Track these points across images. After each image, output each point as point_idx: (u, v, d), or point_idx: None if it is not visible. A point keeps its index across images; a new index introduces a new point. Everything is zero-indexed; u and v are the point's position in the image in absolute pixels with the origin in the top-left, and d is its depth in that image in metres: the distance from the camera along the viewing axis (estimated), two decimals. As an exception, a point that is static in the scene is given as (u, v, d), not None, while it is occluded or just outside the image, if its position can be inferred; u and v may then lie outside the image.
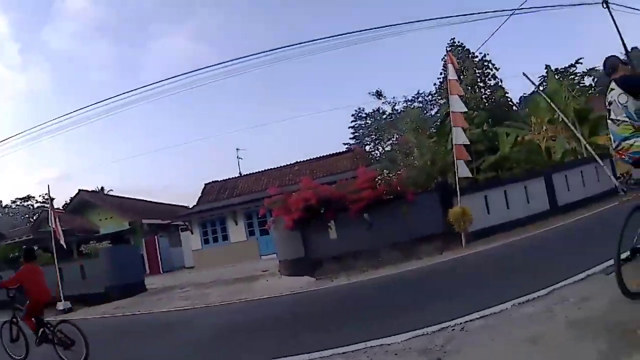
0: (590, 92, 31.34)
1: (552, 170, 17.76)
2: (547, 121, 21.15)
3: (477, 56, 32.01)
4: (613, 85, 4.95)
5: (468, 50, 31.75)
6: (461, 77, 25.11)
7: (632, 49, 68.16)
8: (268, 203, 16.25)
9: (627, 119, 4.76)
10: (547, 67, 26.29)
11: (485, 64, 32.14)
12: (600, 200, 16.40)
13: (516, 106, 33.43)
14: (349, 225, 14.83)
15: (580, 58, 31.63)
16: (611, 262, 5.22)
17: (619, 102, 4.82)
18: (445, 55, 32.29)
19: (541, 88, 23.19)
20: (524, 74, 20.97)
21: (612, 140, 5.08)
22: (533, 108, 23.45)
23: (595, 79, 41.54)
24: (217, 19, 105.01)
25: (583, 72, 34.13)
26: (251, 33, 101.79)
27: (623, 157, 4.96)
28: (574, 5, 25.73)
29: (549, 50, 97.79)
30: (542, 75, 27.52)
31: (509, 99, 32.23)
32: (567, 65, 29.81)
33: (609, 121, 5.07)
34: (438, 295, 8.30)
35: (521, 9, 22.12)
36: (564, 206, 16.34)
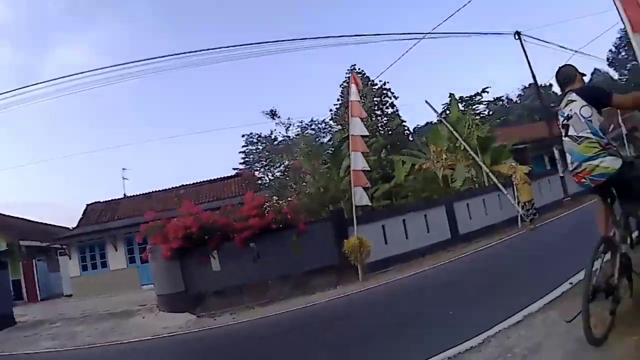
0: (497, 120, 33.43)
1: (453, 198, 18.12)
2: (446, 149, 21.71)
3: (376, 84, 32.90)
4: (573, 96, 4.62)
5: (368, 77, 32.49)
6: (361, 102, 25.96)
7: (529, 84, 73.98)
8: (144, 229, 15.37)
9: (592, 136, 4.41)
10: (451, 95, 27.12)
11: (384, 92, 33.17)
12: (505, 227, 16.93)
13: (412, 135, 35.03)
14: (235, 255, 14.15)
15: (487, 87, 33.47)
16: (544, 299, 5.33)
17: (582, 116, 4.48)
18: (345, 81, 33.22)
19: (444, 116, 24.33)
20: (426, 101, 21.42)
21: (570, 160, 4.65)
22: (433, 136, 23.87)
23: (492, 112, 44.51)
24: (121, 31, 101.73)
25: (489, 100, 36.38)
26: (156, 46, 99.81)
27: (583, 180, 4.54)
28: (486, 33, 27.58)
29: (460, 79, 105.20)
30: (446, 103, 29.00)
31: (405, 128, 33.40)
32: (472, 94, 31.60)
33: (565, 139, 4.66)
34: (326, 347, 7.36)
35: (432, 33, 23.40)
36: (465, 235, 16.58)
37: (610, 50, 71.07)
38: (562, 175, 23.09)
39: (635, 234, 4.88)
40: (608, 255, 4.43)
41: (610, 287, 4.17)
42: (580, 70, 4.95)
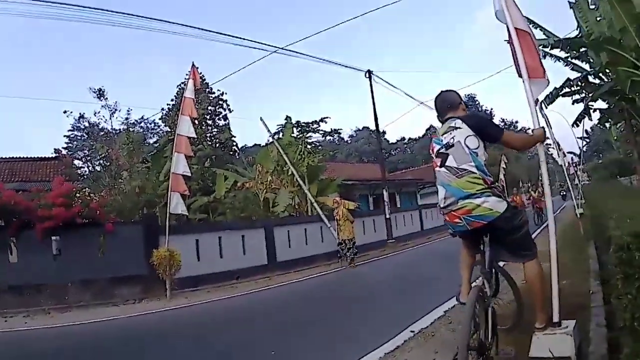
0: (329, 152, 34.48)
1: (274, 222, 18.09)
2: (272, 172, 21.95)
3: (214, 92, 32.37)
4: (458, 123, 4.27)
5: (207, 83, 31.68)
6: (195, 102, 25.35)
7: (363, 127, 77.75)
8: None
9: (475, 170, 4.05)
10: (288, 117, 27.17)
11: (221, 102, 32.69)
12: (325, 260, 17.33)
13: (239, 152, 35.02)
14: (35, 248, 12.66)
15: (327, 117, 34.36)
16: (382, 349, 5.22)
17: (467, 146, 4.13)
18: (182, 82, 32.41)
19: (277, 137, 24.50)
20: (261, 118, 21.28)
21: (444, 195, 4.23)
22: (262, 156, 24.14)
23: (322, 144, 46.17)
24: None
25: (325, 131, 37.48)
26: None
27: (457, 220, 4.12)
28: (338, 64, 28.39)
29: (299, 103, 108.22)
30: (281, 125, 29.24)
31: (234, 143, 33.35)
32: (310, 121, 32.20)
33: (441, 170, 4.26)
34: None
35: (284, 49, 23.52)
36: (284, 262, 16.57)
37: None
38: (388, 217, 24.25)
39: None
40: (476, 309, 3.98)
41: (482, 345, 3.68)
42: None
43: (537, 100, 13.53)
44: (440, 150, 4.29)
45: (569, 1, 16.70)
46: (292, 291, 12.58)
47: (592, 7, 15.73)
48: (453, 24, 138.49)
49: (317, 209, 19.69)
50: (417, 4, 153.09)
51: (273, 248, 16.89)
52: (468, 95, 70.97)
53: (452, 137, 4.22)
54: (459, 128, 4.22)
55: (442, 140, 4.30)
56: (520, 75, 4.75)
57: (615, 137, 41.93)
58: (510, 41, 4.89)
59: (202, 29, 24.49)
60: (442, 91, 4.76)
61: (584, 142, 39.21)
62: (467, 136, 4.16)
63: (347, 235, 16.33)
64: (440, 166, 4.25)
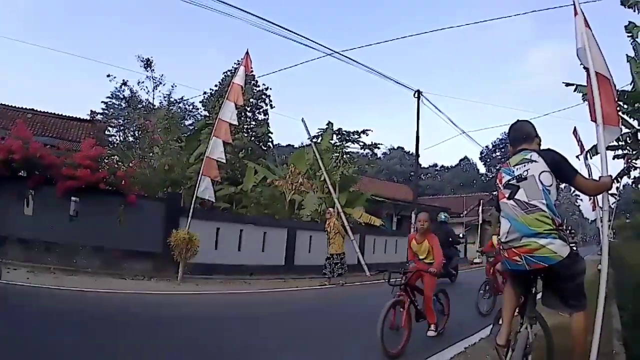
0: (365, 165, 33.96)
1: (298, 225, 17.71)
2: (304, 174, 21.53)
3: (259, 85, 32.14)
4: (534, 157, 4.06)
5: (253, 75, 31.78)
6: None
7: (397, 147, 77.36)
8: None
9: (546, 209, 3.83)
10: (329, 123, 27.11)
11: (264, 96, 32.47)
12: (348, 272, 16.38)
13: (273, 149, 34.66)
14: (52, 205, 12.36)
15: (369, 129, 33.92)
16: None
17: (541, 182, 3.92)
18: (229, 70, 32.29)
19: (315, 141, 24.07)
20: (302, 119, 21.04)
21: (507, 229, 4.00)
22: (296, 157, 23.80)
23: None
24: None
25: (365, 143, 37.01)
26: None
27: (516, 258, 3.89)
28: (389, 78, 27.88)
29: (341, 110, 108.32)
30: (322, 129, 28.84)
31: (270, 139, 33.02)
32: (353, 131, 31.86)
33: (508, 202, 4.04)
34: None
35: (339, 53, 23.05)
36: (300, 267, 16.15)
37: (486, 146, 76.59)
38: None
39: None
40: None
41: None
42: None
43: (584, 148, 12.60)
44: (511, 182, 4.10)
45: (627, 55, 15.97)
46: (306, 298, 12.08)
47: None
48: (506, 59, 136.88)
49: (343, 219, 19.10)
50: (474, 33, 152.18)
51: (292, 250, 16.43)
52: (507, 133, 70.00)
53: (526, 170, 4.04)
54: (535, 162, 4.03)
55: (513, 172, 4.12)
56: (593, 120, 4.53)
57: None
58: (588, 83, 4.64)
59: (257, 16, 24.04)
60: (518, 120, 4.58)
61: (615, 200, 38.58)
62: (542, 172, 3.97)
63: (337, 249, 15.05)
64: (509, 198, 4.06)
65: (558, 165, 4.00)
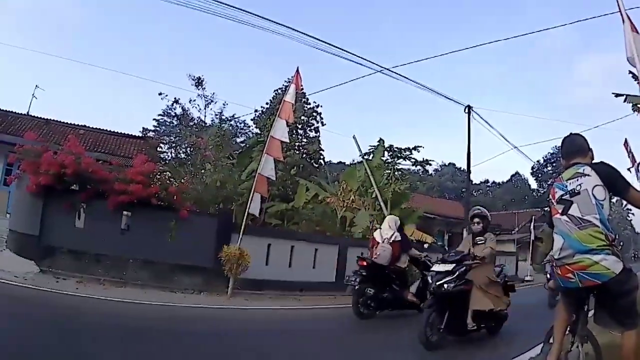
0: (417, 182, 33.65)
1: (349, 243, 17.36)
2: (356, 191, 21.35)
3: (310, 103, 32.12)
4: (587, 170, 4.00)
5: (304, 93, 31.78)
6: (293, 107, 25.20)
7: (448, 163, 76.41)
8: (20, 151, 13.30)
9: (599, 224, 3.75)
10: (381, 140, 26.99)
11: (315, 114, 32.34)
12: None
13: (324, 166, 34.64)
14: (104, 218, 12.47)
15: (420, 146, 33.62)
16: None
17: (594, 196, 3.84)
18: (279, 88, 32.44)
19: (366, 158, 23.96)
20: (354, 136, 21.30)
21: (560, 246, 3.93)
22: (348, 174, 23.77)
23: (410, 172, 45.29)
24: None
25: (416, 160, 36.77)
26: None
27: (570, 275, 3.83)
28: (439, 93, 27.60)
29: (392, 128, 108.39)
30: (373, 146, 28.69)
31: (322, 156, 33.18)
32: (404, 148, 31.57)
33: (561, 217, 3.98)
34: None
35: (390, 70, 22.96)
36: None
37: (537, 161, 75.16)
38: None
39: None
40: None
41: None
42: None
43: (635, 160, 12.03)
44: (564, 197, 4.05)
45: None
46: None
47: None
48: (554, 71, 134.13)
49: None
50: (521, 47, 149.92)
51: (343, 267, 16.09)
52: (558, 146, 68.37)
53: (579, 185, 3.98)
54: (588, 175, 3.97)
55: (566, 186, 4.07)
56: None
57: None
58: None
59: (307, 34, 24.13)
60: (571, 133, 4.57)
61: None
62: (595, 185, 3.90)
63: None
64: (562, 214, 4.00)
65: (611, 178, 3.94)
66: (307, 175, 25.85)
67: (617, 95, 14.39)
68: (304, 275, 15.09)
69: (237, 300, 11.92)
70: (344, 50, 27.13)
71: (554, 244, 4.03)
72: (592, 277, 3.70)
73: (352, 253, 16.07)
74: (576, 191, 3.96)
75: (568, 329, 4.23)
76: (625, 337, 3.80)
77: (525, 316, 10.82)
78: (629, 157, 13.32)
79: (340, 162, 49.39)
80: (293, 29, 19.16)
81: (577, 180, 4.00)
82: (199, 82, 33.17)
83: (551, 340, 4.33)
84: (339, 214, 20.55)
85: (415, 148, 34.09)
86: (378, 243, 11.09)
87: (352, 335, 8.80)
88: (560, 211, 4.02)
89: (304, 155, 30.06)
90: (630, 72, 4.48)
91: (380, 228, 12.35)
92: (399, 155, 30.79)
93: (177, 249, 12.68)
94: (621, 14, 4.78)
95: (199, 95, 33.59)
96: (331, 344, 7.61)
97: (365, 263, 10.74)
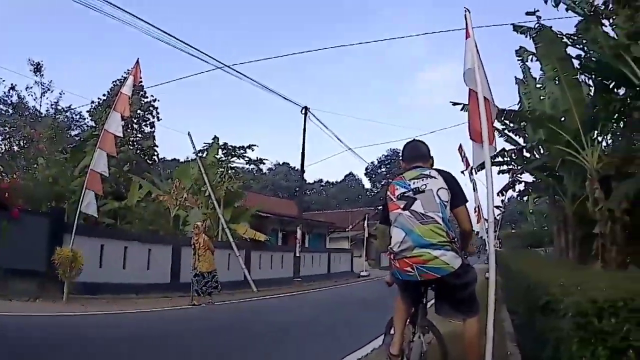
0: (250, 180, 34.12)
1: (182, 242, 17.47)
2: (189, 189, 21.73)
3: (147, 96, 31.82)
4: (433, 173, 4.24)
5: (142, 86, 30.29)
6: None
7: (282, 163, 77.92)
8: None
9: (441, 222, 3.97)
10: (215, 137, 27.48)
11: (151, 108, 32.14)
12: (233, 288, 17.45)
13: (159, 163, 34.14)
14: None
15: (254, 145, 34.14)
16: None
17: (439, 197, 4.08)
18: (118, 79, 31.46)
19: (201, 155, 24.08)
20: (189, 133, 21.37)
21: (401, 239, 4.02)
22: (181, 172, 24.25)
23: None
24: None
25: (250, 159, 37.18)
26: None
27: (408, 269, 3.96)
28: (277, 93, 28.40)
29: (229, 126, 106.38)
30: (208, 144, 28.83)
31: (156, 153, 32.42)
32: (239, 146, 31.82)
33: (403, 212, 4.10)
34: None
35: (229, 67, 23.24)
36: (187, 284, 15.13)
37: (372, 162, 78.73)
38: (298, 255, 24.68)
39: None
40: None
41: None
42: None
43: (469, 164, 13.92)
44: (406, 194, 4.18)
45: (515, 77, 17.71)
46: (189, 317, 11.95)
47: (538, 85, 16.88)
48: (396, 78, 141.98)
49: (228, 236, 19.58)
50: (364, 53, 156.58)
51: (178, 268, 16.46)
52: (393, 149, 72.85)
53: (425, 184, 4.16)
54: (434, 178, 4.19)
55: (409, 185, 4.22)
56: (472, 139, 5.07)
57: (531, 210, 44.28)
58: (471, 104, 5.10)
59: (151, 24, 23.96)
60: (415, 139, 4.87)
61: (501, 211, 41.80)
62: (440, 188, 4.13)
63: (207, 267, 14.34)
64: (404, 209, 4.12)
65: (455, 188, 4.25)
66: (140, 172, 25.62)
67: (454, 104, 16.22)
68: (139, 277, 15.15)
69: (73, 306, 11.62)
70: (187, 44, 27.23)
71: (393, 237, 4.11)
72: (431, 270, 3.88)
73: (186, 253, 16.35)
74: (421, 189, 4.13)
75: (408, 320, 4.46)
76: (468, 325, 4.08)
77: (366, 309, 11.80)
78: (462, 161, 15.00)
79: (174, 159, 48.74)
80: (137, 17, 18.34)
81: (423, 180, 4.19)
82: (37, 68, 31.11)
83: (392, 332, 4.52)
84: (172, 212, 20.77)
85: (249, 147, 34.65)
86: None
87: (191, 338, 8.74)
88: (402, 206, 4.14)
89: (138, 151, 29.68)
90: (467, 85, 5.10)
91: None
92: (233, 153, 31.24)
93: (9, 252, 11.92)
94: (467, 31, 5.23)
95: (36, 82, 31.49)
96: (170, 348, 7.73)
97: None
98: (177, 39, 27.16)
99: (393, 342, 4.37)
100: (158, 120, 32.36)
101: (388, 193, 4.37)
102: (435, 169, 4.36)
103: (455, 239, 4.07)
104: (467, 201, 4.41)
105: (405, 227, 4.03)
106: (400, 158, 4.86)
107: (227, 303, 14.88)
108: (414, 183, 4.20)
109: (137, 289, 14.64)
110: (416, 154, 4.60)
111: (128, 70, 23.80)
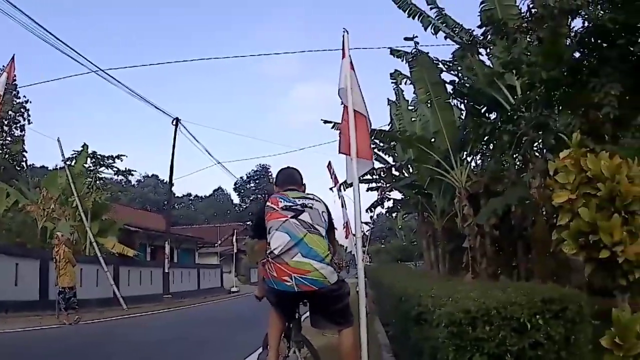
0: (118, 192, 33.11)
1: (51, 256, 15.67)
2: (57, 200, 20.95)
3: (19, 97, 30.28)
4: (316, 197, 4.48)
5: (16, 85, 27.73)
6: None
7: (151, 175, 75.62)
8: None
9: (325, 237, 4.17)
10: (84, 145, 26.55)
11: (23, 110, 30.69)
12: (100, 306, 17.13)
13: (27, 170, 32.42)
14: None
15: (123, 155, 33.15)
16: None
17: (323, 217, 4.31)
18: (3, 66, 29.40)
19: (69, 164, 23.29)
20: (58, 139, 21.03)
21: (284, 242, 4.03)
22: (49, 181, 23.17)
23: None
24: None
25: (119, 169, 35.96)
26: None
27: (286, 278, 3.95)
28: (149, 102, 27.72)
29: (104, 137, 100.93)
30: (77, 152, 27.75)
31: (25, 158, 31.07)
32: (107, 155, 30.91)
33: (290, 220, 4.15)
34: None
35: (103, 71, 22.41)
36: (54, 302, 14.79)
37: (241, 177, 78.50)
38: (167, 271, 24.30)
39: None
40: None
41: None
42: None
43: (338, 181, 14.48)
44: (293, 207, 4.25)
45: (388, 98, 18.66)
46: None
47: (410, 108, 17.65)
48: (268, 95, 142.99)
49: (96, 250, 19.10)
50: (239, 67, 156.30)
51: (46, 284, 15.86)
52: (262, 165, 73.41)
53: (311, 203, 4.32)
54: (318, 201, 4.40)
55: (295, 201, 4.30)
56: (344, 153, 5.29)
57: (400, 226, 46.18)
58: (345, 120, 5.34)
59: (29, 17, 22.70)
60: (289, 166, 4.98)
61: (370, 227, 43.44)
62: (323, 211, 4.34)
63: (68, 282, 13.84)
64: (292, 217, 4.17)
65: (330, 214, 4.47)
66: (8, 179, 24.35)
67: (325, 122, 16.73)
68: (6, 293, 14.43)
69: None
70: (64, 43, 26.08)
71: (274, 241, 4.08)
72: (309, 282, 3.91)
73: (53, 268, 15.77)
74: (308, 205, 4.28)
75: (282, 335, 4.48)
76: (344, 335, 4.20)
77: (239, 325, 11.96)
78: (331, 178, 15.56)
79: (43, 167, 46.26)
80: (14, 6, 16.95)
81: (308, 200, 4.36)
82: None
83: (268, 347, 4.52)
84: (39, 224, 19.98)
85: (118, 157, 33.82)
86: None
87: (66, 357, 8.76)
88: (289, 216, 4.19)
89: (7, 156, 28.06)
90: (341, 102, 5.34)
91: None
92: (102, 163, 30.37)
93: None
94: (343, 50, 5.46)
95: None
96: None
97: None
98: (53, 35, 25.64)
99: (268, 357, 4.38)
100: (29, 123, 30.77)
101: (269, 204, 4.38)
102: (316, 197, 4.55)
103: (334, 257, 4.27)
104: (335, 228, 4.75)
105: (292, 232, 4.07)
106: (274, 183, 4.96)
107: (96, 322, 14.56)
108: (299, 200, 4.34)
109: (6, 307, 14.04)
110: (290, 180, 4.77)
111: (2, 66, 22.39)
